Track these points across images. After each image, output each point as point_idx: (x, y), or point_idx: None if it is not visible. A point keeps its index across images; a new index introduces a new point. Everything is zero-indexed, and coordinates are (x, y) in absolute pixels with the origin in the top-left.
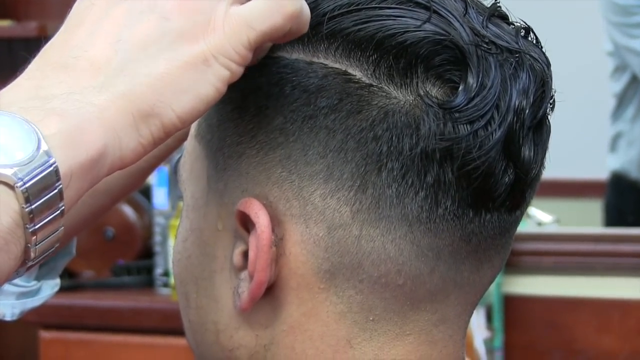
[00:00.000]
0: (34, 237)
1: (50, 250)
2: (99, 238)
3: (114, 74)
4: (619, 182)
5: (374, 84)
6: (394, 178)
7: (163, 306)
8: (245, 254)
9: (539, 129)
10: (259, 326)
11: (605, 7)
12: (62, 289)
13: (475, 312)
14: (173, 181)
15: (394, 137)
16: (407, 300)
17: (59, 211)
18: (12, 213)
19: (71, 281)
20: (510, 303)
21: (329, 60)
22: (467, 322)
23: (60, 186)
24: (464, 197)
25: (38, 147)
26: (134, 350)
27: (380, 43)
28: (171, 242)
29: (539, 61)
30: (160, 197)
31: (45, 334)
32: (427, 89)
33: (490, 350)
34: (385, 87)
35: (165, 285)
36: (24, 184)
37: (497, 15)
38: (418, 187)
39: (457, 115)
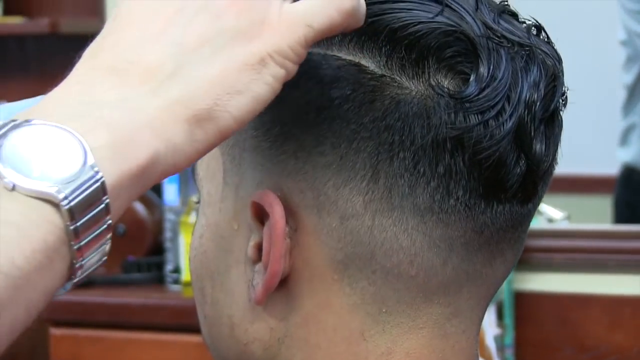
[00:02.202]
0: (80, 254)
1: (97, 264)
2: None
3: (167, 78)
4: (630, 177)
5: (387, 74)
6: (405, 168)
7: (173, 303)
8: (259, 247)
9: (551, 122)
10: (273, 319)
11: None
12: (73, 286)
13: None
14: (184, 178)
15: (405, 127)
16: (419, 292)
17: (105, 225)
18: (57, 231)
19: None
20: (521, 300)
21: (343, 53)
22: (481, 318)
23: (107, 201)
24: (476, 187)
25: (84, 162)
26: (144, 347)
27: (392, 34)
28: (182, 238)
29: (550, 56)
30: (170, 194)
31: (55, 331)
32: (439, 80)
33: (501, 347)
34: (398, 78)
35: (176, 281)
36: (69, 202)
37: (508, 12)
38: (430, 177)
39: (468, 105)
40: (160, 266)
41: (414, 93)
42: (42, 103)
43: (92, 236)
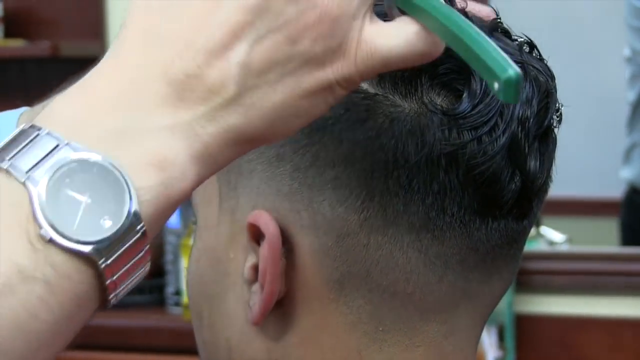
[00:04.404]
0: (115, 298)
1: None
2: None
3: (227, 103)
4: (632, 197)
5: (380, 93)
6: (400, 185)
7: (174, 325)
8: (256, 268)
9: (545, 139)
10: (270, 340)
11: (627, 11)
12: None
13: (486, 331)
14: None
15: (399, 145)
16: (416, 309)
17: (142, 269)
18: (91, 280)
19: None
20: (522, 322)
21: None
22: (478, 337)
23: (147, 247)
24: (470, 204)
25: (129, 212)
26: None
27: None
28: (183, 261)
29: (543, 73)
30: (172, 216)
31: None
32: (432, 97)
33: None
34: (391, 97)
35: (177, 304)
36: (106, 260)
37: (500, 30)
38: (424, 194)
39: (461, 121)
40: (161, 288)
41: (407, 111)
42: (85, 98)
43: (126, 283)
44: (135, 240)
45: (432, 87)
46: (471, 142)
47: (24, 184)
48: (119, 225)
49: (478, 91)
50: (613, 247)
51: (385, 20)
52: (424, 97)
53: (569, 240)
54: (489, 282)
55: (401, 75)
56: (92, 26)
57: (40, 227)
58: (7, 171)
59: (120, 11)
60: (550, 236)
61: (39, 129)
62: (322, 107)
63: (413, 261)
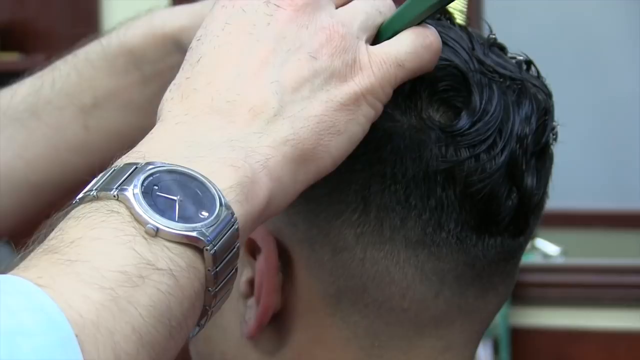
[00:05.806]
0: (214, 299)
1: (216, 311)
2: None
3: (273, 117)
4: None
5: None
6: (397, 200)
7: None
8: (252, 282)
9: (542, 156)
10: (265, 354)
11: None
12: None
13: (481, 344)
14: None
15: (397, 160)
16: (412, 325)
17: (233, 270)
18: (201, 277)
19: None
20: (517, 335)
21: None
22: (474, 352)
23: (238, 244)
24: (467, 220)
25: (220, 203)
26: None
27: None
28: None
29: (541, 91)
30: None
31: None
32: (431, 114)
33: None
34: (390, 111)
35: None
36: (214, 247)
37: (497, 46)
38: (421, 210)
39: (458, 139)
40: None
41: (407, 126)
42: (148, 144)
43: (224, 281)
44: (232, 233)
45: (432, 103)
46: (469, 159)
47: (116, 196)
48: (215, 213)
49: (477, 108)
50: (607, 259)
51: None
52: (423, 113)
53: (564, 253)
54: (485, 298)
55: (401, 91)
56: (86, 39)
57: (146, 222)
58: (96, 196)
59: (115, 25)
60: (545, 249)
61: (115, 165)
62: (356, 125)
63: (409, 277)
